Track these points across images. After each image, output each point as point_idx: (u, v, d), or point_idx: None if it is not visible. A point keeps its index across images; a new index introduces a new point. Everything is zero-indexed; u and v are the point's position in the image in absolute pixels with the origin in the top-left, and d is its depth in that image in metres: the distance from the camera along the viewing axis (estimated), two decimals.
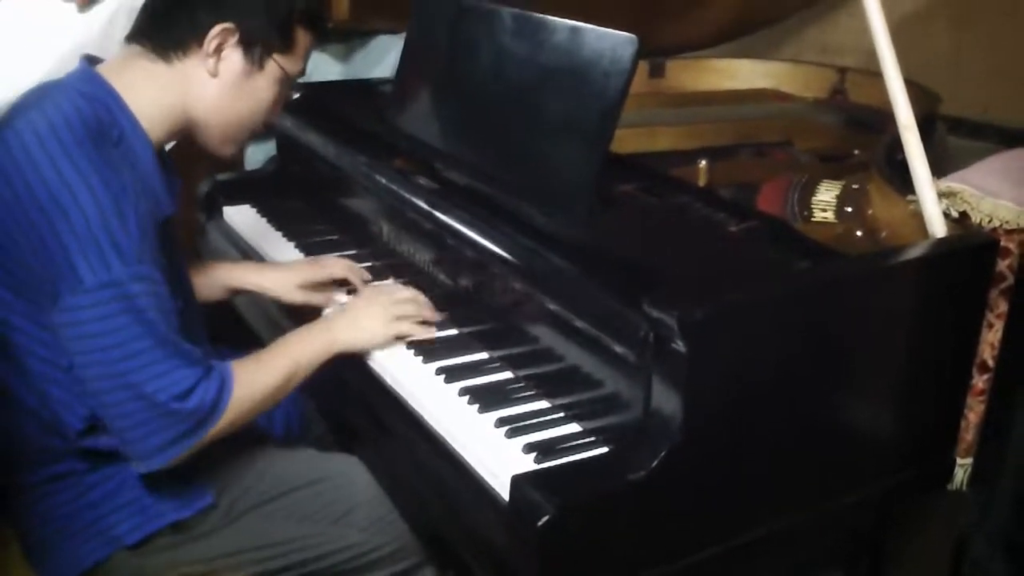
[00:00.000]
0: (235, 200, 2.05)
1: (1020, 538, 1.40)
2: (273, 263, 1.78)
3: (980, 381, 1.40)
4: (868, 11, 1.43)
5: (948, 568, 1.48)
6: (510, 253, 1.38)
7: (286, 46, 1.39)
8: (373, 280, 1.70)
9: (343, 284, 1.69)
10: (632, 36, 1.36)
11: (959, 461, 1.45)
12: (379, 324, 1.47)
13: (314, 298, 1.66)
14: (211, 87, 1.36)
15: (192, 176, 1.97)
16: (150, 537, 1.36)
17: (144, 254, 1.23)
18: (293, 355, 1.39)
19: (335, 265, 1.69)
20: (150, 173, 1.33)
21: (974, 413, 1.42)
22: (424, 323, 1.51)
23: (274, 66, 1.39)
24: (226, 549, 1.39)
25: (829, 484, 1.32)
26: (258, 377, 1.33)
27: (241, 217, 2.01)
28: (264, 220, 1.98)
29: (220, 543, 1.39)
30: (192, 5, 1.33)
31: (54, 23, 2.23)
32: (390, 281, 1.67)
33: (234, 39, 1.34)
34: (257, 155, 2.37)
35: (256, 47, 1.36)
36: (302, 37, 1.41)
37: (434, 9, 1.74)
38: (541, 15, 1.52)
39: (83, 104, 1.27)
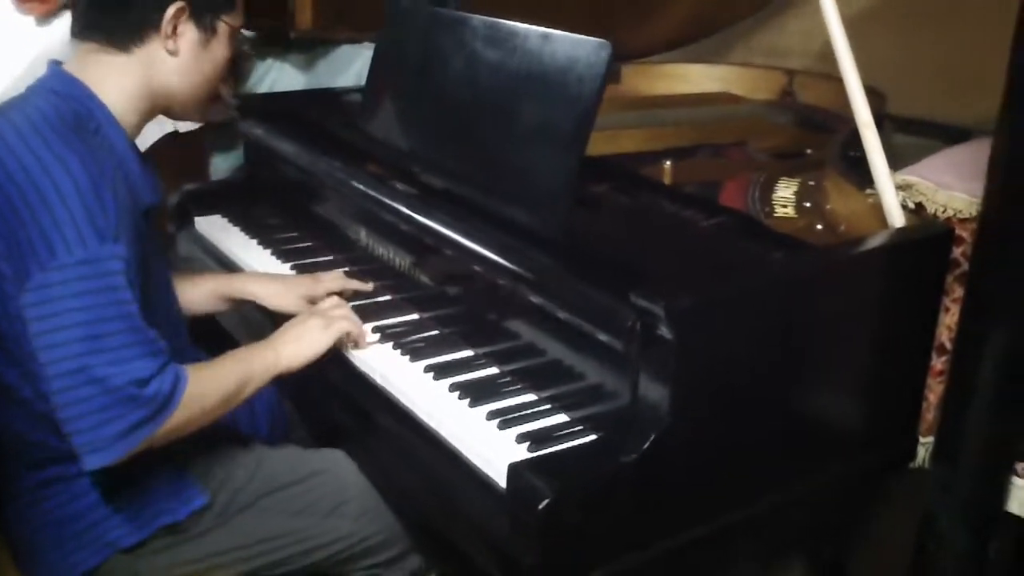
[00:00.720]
0: (205, 210, 2.07)
1: (981, 512, 1.47)
2: (269, 274, 1.79)
3: (939, 362, 1.49)
4: (826, 16, 1.50)
5: (912, 543, 1.55)
6: (495, 253, 1.43)
7: (230, 4, 1.46)
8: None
9: None
10: (604, 41, 1.41)
11: (921, 440, 1.53)
12: (317, 332, 1.47)
13: (303, 308, 1.66)
14: (173, 65, 1.41)
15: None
16: (145, 540, 1.37)
17: (121, 235, 1.24)
18: (243, 369, 1.39)
19: (333, 280, 1.71)
20: (128, 161, 1.37)
21: (934, 394, 1.50)
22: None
23: (224, 26, 1.45)
24: (221, 547, 1.41)
25: (804, 465, 1.39)
26: (210, 383, 1.33)
27: (213, 227, 2.03)
28: (237, 228, 2.00)
29: (215, 542, 1.41)
30: None
31: (16, 35, 2.25)
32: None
33: (186, 15, 1.39)
34: (223, 164, 2.38)
35: (206, 15, 1.42)
36: None
37: (405, 18, 1.79)
38: (512, 22, 1.57)
39: (58, 101, 1.32)
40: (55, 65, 1.39)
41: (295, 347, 1.45)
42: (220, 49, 1.46)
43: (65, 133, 1.27)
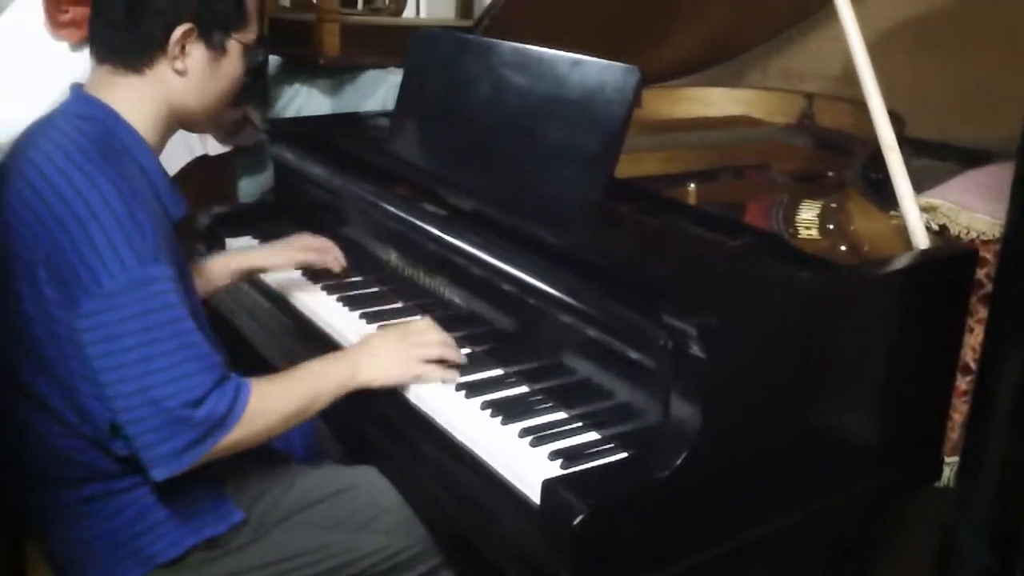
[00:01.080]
0: (236, 232, 2.11)
1: (1003, 529, 1.48)
2: (259, 246, 1.94)
3: (963, 382, 1.51)
4: (849, 40, 1.54)
5: (935, 559, 1.56)
6: (526, 273, 1.46)
7: (241, 21, 1.46)
8: (372, 298, 1.80)
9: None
10: (634, 66, 1.46)
11: (946, 459, 1.55)
12: (400, 364, 1.49)
13: (301, 257, 1.86)
14: (184, 84, 1.42)
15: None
16: (184, 555, 1.40)
17: (160, 253, 1.28)
18: (315, 383, 1.42)
19: (315, 241, 1.88)
20: (157, 178, 1.40)
21: (959, 413, 1.52)
22: (446, 364, 1.52)
23: (235, 44, 1.46)
24: (257, 562, 1.43)
25: (829, 482, 1.41)
26: (277, 398, 1.37)
27: (244, 248, 2.06)
28: None
29: (252, 556, 1.43)
30: (146, 16, 1.38)
31: (52, 62, 2.29)
32: (418, 318, 1.66)
33: (193, 35, 1.40)
34: (250, 188, 2.43)
35: (215, 34, 1.42)
36: (249, 3, 1.47)
37: (432, 45, 1.83)
38: (539, 48, 1.61)
39: (83, 124, 1.35)
40: (77, 88, 1.43)
41: (373, 371, 1.47)
42: (232, 66, 1.47)
43: (94, 156, 1.30)
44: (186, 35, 1.39)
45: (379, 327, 1.68)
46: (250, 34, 1.48)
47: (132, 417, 1.24)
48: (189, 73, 1.42)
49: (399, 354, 1.49)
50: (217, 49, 1.44)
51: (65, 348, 1.29)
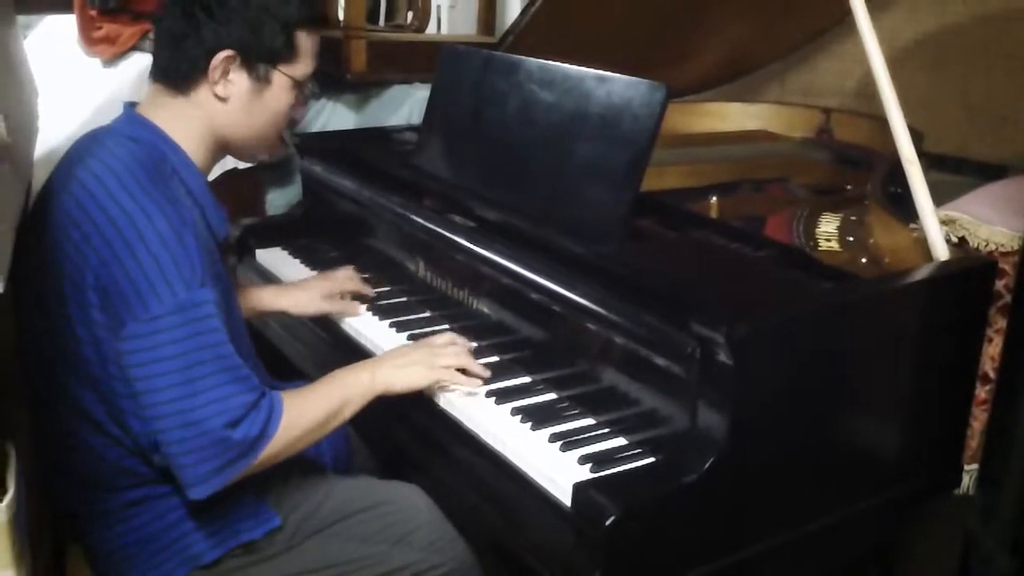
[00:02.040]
0: (266, 243, 2.15)
1: (1023, 535, 1.50)
2: (288, 285, 1.92)
3: (983, 391, 1.54)
4: (870, 57, 1.58)
5: (957, 567, 1.59)
6: (555, 283, 1.50)
7: (289, 56, 1.47)
8: (401, 308, 1.84)
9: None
10: (660, 83, 1.50)
11: (966, 467, 1.58)
12: (422, 368, 1.52)
13: (328, 307, 1.83)
14: (224, 110, 1.44)
15: None
16: (222, 557, 1.43)
17: (207, 278, 1.31)
18: (341, 391, 1.45)
19: (342, 275, 1.87)
20: (204, 199, 1.44)
21: (978, 422, 1.55)
22: (465, 373, 1.55)
23: (281, 76, 1.47)
24: (292, 569, 1.46)
25: (851, 488, 1.44)
26: (307, 409, 1.40)
27: (274, 258, 2.11)
28: (298, 261, 2.09)
29: (286, 564, 1.46)
30: (192, 40, 1.41)
31: (86, 78, 2.35)
32: (444, 328, 1.72)
33: (236, 63, 1.42)
34: (279, 201, 2.47)
35: (259, 65, 1.44)
36: (304, 41, 1.48)
37: (460, 62, 1.87)
38: (565, 65, 1.65)
39: (134, 147, 1.37)
40: (129, 107, 1.46)
41: (396, 375, 1.49)
42: (276, 99, 1.48)
43: (145, 182, 1.32)
44: (228, 61, 1.42)
45: (408, 336, 1.72)
46: (299, 69, 1.49)
47: (171, 438, 1.27)
48: (231, 100, 1.44)
49: (421, 361, 1.53)
50: (261, 80, 1.45)
51: (110, 368, 1.33)
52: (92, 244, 1.30)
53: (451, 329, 1.74)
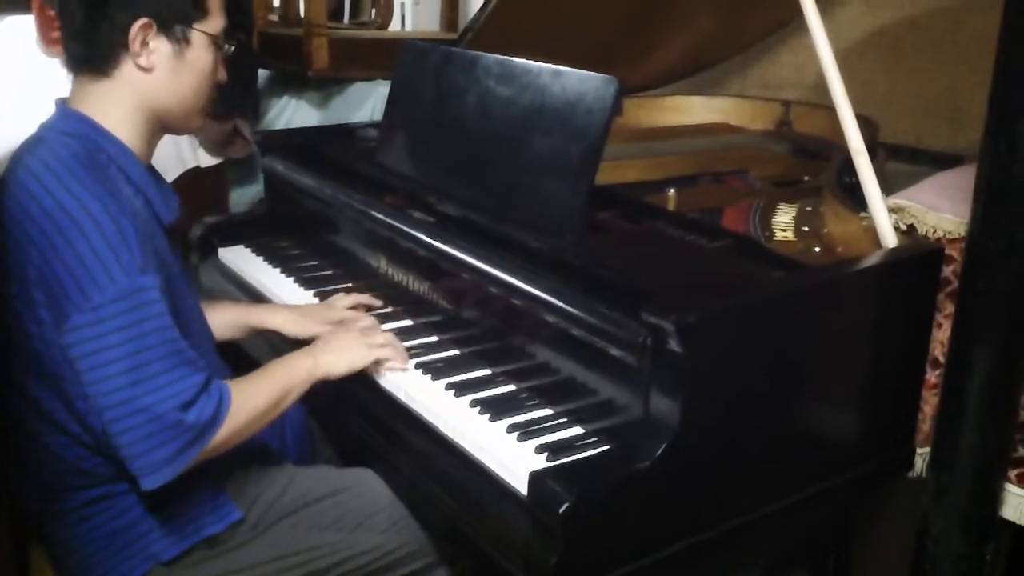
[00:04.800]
0: (229, 241, 2.15)
1: (977, 517, 1.54)
2: (287, 305, 1.86)
3: (933, 376, 1.57)
4: (818, 49, 1.60)
5: (911, 547, 1.62)
6: (512, 276, 1.51)
7: (201, 14, 1.46)
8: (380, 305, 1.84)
9: None
10: (612, 77, 1.51)
11: (918, 450, 1.61)
12: (360, 349, 1.56)
13: (318, 330, 1.75)
14: (152, 80, 1.43)
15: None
16: (184, 553, 1.44)
17: (148, 265, 1.31)
18: (285, 378, 1.47)
19: (345, 301, 1.81)
20: (144, 185, 1.43)
21: (929, 405, 1.58)
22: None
23: (199, 35, 1.46)
24: (255, 560, 1.48)
25: (805, 473, 1.47)
26: (252, 396, 1.41)
27: (237, 257, 2.11)
28: (260, 259, 2.09)
29: (249, 554, 1.48)
30: (102, 15, 1.40)
31: (43, 79, 2.33)
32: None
33: (153, 30, 1.41)
34: (242, 198, 2.48)
35: (175, 27, 1.43)
36: None
37: (420, 58, 1.88)
38: (523, 60, 1.67)
39: (69, 140, 1.38)
40: (61, 103, 1.45)
41: (334, 357, 1.53)
42: (200, 59, 1.47)
43: (81, 174, 1.32)
44: (144, 30, 1.40)
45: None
46: (214, 24, 1.48)
47: (122, 427, 1.27)
48: (156, 69, 1.43)
49: (354, 343, 1.56)
50: (180, 42, 1.44)
51: (60, 364, 1.33)
52: (32, 240, 1.31)
53: (414, 325, 1.75)
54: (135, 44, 1.41)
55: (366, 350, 1.56)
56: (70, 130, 1.40)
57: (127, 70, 1.42)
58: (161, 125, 1.50)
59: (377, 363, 1.58)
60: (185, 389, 1.29)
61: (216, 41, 1.50)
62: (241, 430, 1.38)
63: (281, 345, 1.78)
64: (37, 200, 1.31)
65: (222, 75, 1.55)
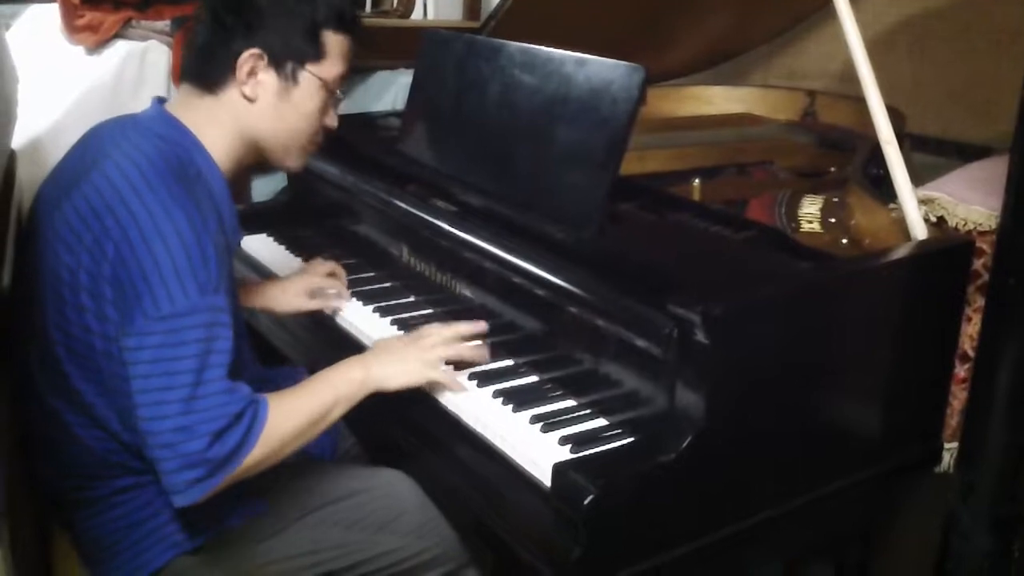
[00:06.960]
0: (251, 230, 2.15)
1: (1002, 512, 1.52)
2: (268, 281, 1.88)
3: (962, 370, 1.55)
4: (848, 38, 1.58)
5: (937, 546, 1.60)
6: (536, 266, 1.50)
7: (317, 55, 1.45)
8: (385, 293, 1.84)
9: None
10: (638, 65, 1.50)
11: (946, 445, 1.59)
12: (418, 366, 1.49)
13: (309, 305, 1.81)
14: (254, 111, 1.44)
15: None
16: (208, 543, 1.44)
17: (220, 285, 1.30)
18: (331, 392, 1.41)
19: (323, 268, 1.85)
20: (223, 205, 1.42)
21: (958, 400, 1.56)
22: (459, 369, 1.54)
23: (309, 76, 1.45)
24: (277, 555, 1.46)
25: (831, 467, 1.46)
26: (292, 414, 1.36)
27: (260, 245, 2.11)
28: (283, 247, 2.09)
29: (271, 549, 1.46)
30: (221, 38, 1.41)
31: (70, 66, 2.35)
32: (435, 325, 1.61)
33: (263, 62, 1.42)
34: (265, 188, 2.47)
35: (286, 64, 1.43)
36: (333, 40, 1.47)
37: (442, 47, 1.87)
38: (547, 48, 1.65)
39: (161, 144, 1.36)
40: (158, 104, 1.44)
41: (389, 371, 1.47)
42: (305, 100, 1.46)
43: (171, 182, 1.30)
44: (254, 59, 1.41)
45: (392, 321, 1.73)
46: (329, 69, 1.47)
47: (158, 442, 1.24)
48: (259, 100, 1.43)
49: (410, 357, 1.50)
50: (288, 79, 1.44)
51: (116, 364, 1.31)
52: (111, 236, 1.28)
53: (435, 314, 1.75)
54: (242, 72, 1.41)
55: (423, 368, 1.49)
56: (166, 135, 1.38)
57: (232, 94, 1.43)
58: (256, 155, 1.49)
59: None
60: (221, 416, 1.26)
61: (327, 86, 1.48)
62: (277, 451, 1.33)
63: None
64: (122, 197, 1.29)
65: (333, 121, 1.55)
